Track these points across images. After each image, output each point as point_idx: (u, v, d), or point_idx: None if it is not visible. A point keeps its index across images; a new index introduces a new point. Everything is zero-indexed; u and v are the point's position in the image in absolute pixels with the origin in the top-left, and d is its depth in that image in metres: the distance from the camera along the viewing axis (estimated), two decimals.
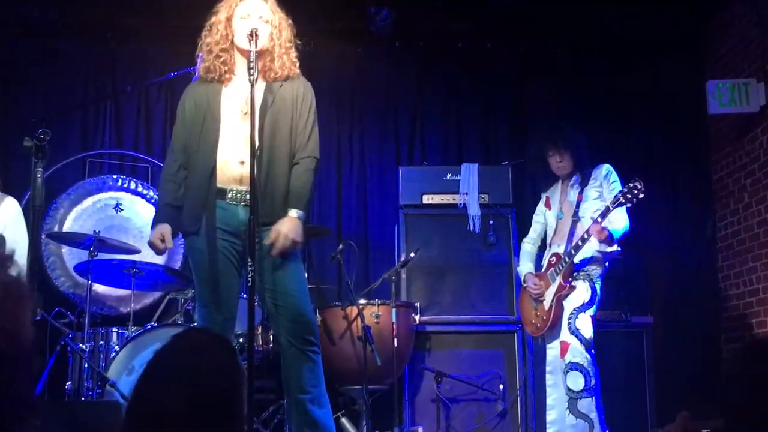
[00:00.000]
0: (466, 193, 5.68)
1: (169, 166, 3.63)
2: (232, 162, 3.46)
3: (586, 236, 4.35)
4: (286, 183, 3.52)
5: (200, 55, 3.63)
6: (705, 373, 5.93)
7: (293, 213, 3.47)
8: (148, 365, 1.66)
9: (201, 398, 1.59)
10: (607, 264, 4.56)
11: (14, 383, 1.09)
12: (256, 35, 3.38)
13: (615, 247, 4.43)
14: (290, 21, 3.70)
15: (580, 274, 4.48)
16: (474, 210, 5.64)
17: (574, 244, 4.40)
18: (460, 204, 5.68)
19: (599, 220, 4.29)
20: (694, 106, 6.19)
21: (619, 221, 4.41)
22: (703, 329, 6.19)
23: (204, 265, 3.45)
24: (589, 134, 5.95)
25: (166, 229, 3.52)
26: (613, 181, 4.51)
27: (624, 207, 4.37)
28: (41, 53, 6.29)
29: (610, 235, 4.30)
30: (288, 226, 3.42)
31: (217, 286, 3.45)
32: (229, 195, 3.48)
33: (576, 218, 4.53)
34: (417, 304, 5.38)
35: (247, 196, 3.31)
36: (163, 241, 3.49)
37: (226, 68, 3.55)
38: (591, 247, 4.43)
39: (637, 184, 4.17)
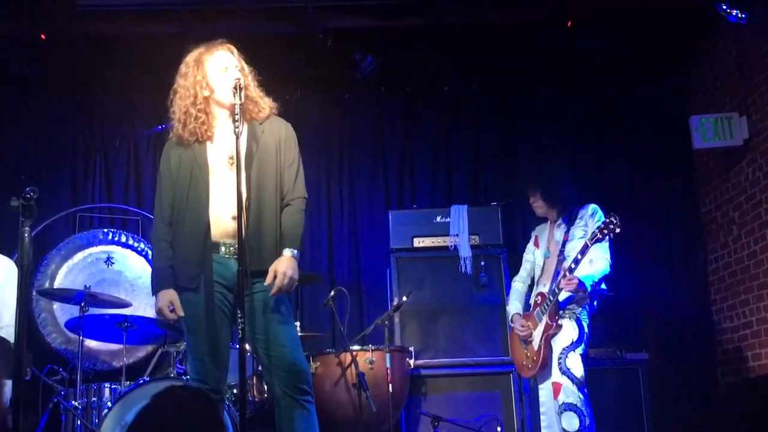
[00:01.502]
0: (457, 235, 5.70)
1: (159, 227, 3.56)
2: (225, 217, 3.46)
3: (557, 290, 4.38)
4: (275, 232, 3.52)
5: (171, 123, 3.62)
6: (702, 407, 5.90)
7: (288, 252, 3.47)
8: (131, 425, 1.66)
9: None
10: (596, 303, 4.56)
11: None
12: (241, 88, 3.40)
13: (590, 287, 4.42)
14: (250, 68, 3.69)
15: (566, 312, 4.47)
16: (465, 251, 5.66)
17: (557, 283, 4.40)
18: (451, 246, 5.69)
19: (579, 257, 4.30)
20: (680, 140, 6.24)
21: (598, 262, 4.42)
22: (699, 363, 6.16)
23: (201, 319, 3.42)
24: (576, 171, 6.02)
25: (173, 295, 3.44)
26: (598, 220, 4.52)
27: (606, 246, 4.40)
28: (30, 109, 6.35)
29: (581, 284, 4.31)
30: (285, 265, 3.42)
31: (214, 340, 3.43)
32: (222, 249, 3.48)
33: (562, 257, 4.54)
34: (411, 348, 5.36)
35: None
36: (172, 310, 3.42)
37: (206, 127, 3.55)
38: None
39: (612, 219, 4.20)
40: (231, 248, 3.45)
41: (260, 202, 3.50)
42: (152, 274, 3.60)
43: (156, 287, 3.50)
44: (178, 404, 1.68)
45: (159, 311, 3.46)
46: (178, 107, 3.56)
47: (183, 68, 3.61)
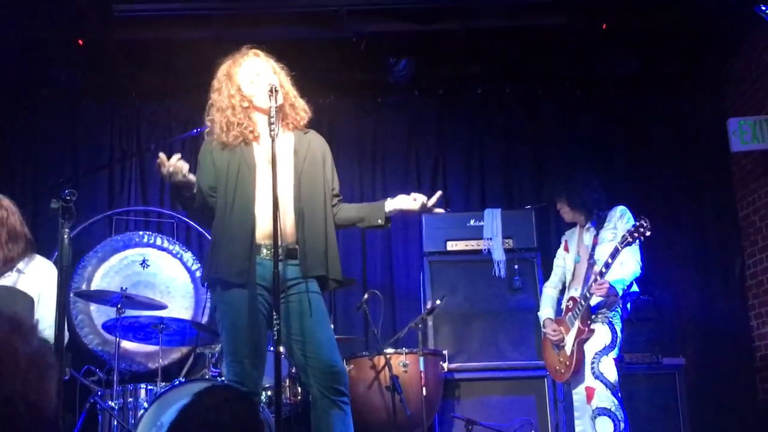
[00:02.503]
0: (490, 239, 5.68)
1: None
2: (268, 218, 3.43)
3: (588, 295, 4.35)
4: (324, 241, 3.54)
5: (206, 127, 3.64)
6: (740, 413, 5.82)
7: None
8: (172, 424, 1.67)
9: None
10: (629, 306, 4.52)
11: None
12: (276, 90, 3.41)
13: (624, 287, 4.40)
14: (281, 64, 3.69)
15: (599, 316, 4.44)
16: (499, 255, 5.63)
17: (588, 287, 4.37)
18: (485, 249, 5.67)
19: (610, 261, 4.28)
20: (717, 144, 6.17)
21: (629, 265, 4.39)
22: (737, 369, 6.08)
23: (243, 320, 3.40)
24: (611, 175, 5.97)
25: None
26: (627, 221, 4.50)
27: (636, 248, 4.37)
28: (68, 114, 6.44)
29: (612, 288, 4.28)
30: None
31: (255, 342, 3.43)
32: (264, 251, 3.46)
33: (592, 261, 4.51)
34: (445, 352, 5.35)
35: (285, 252, 3.39)
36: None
37: (251, 129, 3.56)
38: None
39: (643, 222, 4.17)
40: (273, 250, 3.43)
41: (312, 211, 3.52)
42: None
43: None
44: (220, 403, 1.69)
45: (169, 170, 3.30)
46: (217, 118, 3.56)
47: (215, 84, 3.61)
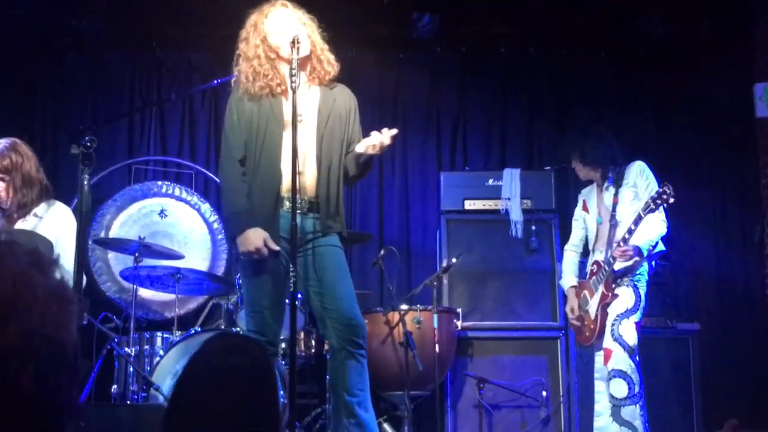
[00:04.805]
0: (509, 199, 5.64)
1: (235, 171, 3.51)
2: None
3: (612, 260, 4.33)
4: (338, 195, 3.57)
5: (235, 77, 3.64)
6: (753, 381, 5.82)
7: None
8: (182, 374, 1.68)
9: (238, 397, 1.62)
10: (654, 263, 4.50)
11: (55, 389, 1.10)
12: (299, 42, 3.39)
13: (659, 248, 4.39)
14: (311, 16, 3.67)
15: (624, 279, 4.42)
16: (516, 215, 5.60)
17: (612, 251, 4.35)
18: (503, 209, 5.64)
19: (633, 228, 4.25)
20: (741, 110, 6.09)
21: (655, 225, 4.34)
22: (751, 336, 6.07)
23: (267, 272, 3.45)
24: (633, 138, 5.92)
25: (263, 233, 3.37)
26: (647, 178, 4.46)
27: (660, 209, 4.33)
28: (89, 63, 6.42)
29: (637, 250, 4.26)
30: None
31: (275, 294, 3.47)
32: (287, 204, 3.46)
33: (614, 222, 4.48)
34: (459, 310, 5.36)
35: (306, 206, 3.47)
36: (266, 245, 3.35)
37: (278, 81, 3.55)
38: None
39: (666, 189, 4.12)
40: (298, 203, 3.43)
41: (329, 166, 3.55)
42: (233, 213, 3.50)
43: (245, 225, 3.39)
44: (229, 348, 1.71)
45: (257, 250, 3.33)
46: (244, 68, 3.56)
47: (243, 33, 3.62)
